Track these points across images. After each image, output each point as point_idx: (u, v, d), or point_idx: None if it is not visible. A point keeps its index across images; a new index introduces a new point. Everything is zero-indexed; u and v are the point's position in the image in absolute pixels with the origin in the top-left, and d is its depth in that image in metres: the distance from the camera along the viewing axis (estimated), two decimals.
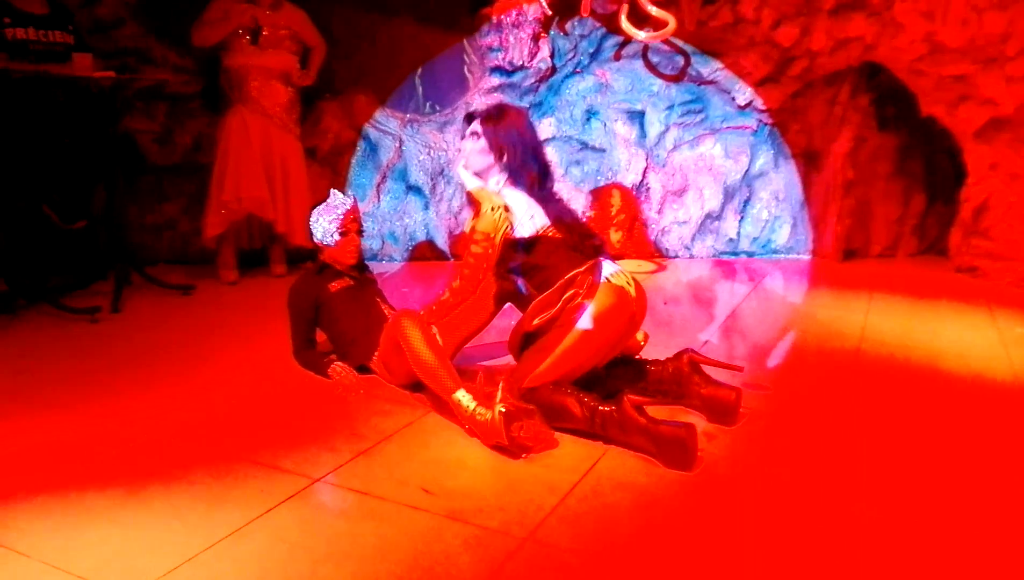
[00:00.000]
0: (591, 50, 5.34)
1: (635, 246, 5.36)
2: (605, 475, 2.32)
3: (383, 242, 5.44)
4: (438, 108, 5.43)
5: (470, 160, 2.80)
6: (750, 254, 5.41)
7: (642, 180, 5.40)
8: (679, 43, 5.09)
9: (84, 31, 4.47)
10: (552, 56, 5.26)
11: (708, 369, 2.76)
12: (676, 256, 5.45)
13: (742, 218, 5.39)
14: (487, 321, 3.01)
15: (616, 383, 2.70)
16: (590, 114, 5.41)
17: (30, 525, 2.04)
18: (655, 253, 5.44)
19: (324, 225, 3.19)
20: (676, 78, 5.23)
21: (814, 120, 5.21)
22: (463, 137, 2.88)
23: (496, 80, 5.29)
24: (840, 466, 2.38)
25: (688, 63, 5.17)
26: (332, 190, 3.30)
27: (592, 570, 1.86)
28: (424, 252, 5.43)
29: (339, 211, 3.19)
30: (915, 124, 5.01)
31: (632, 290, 2.64)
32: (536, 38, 5.17)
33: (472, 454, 2.46)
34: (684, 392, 2.72)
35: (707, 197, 5.36)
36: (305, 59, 4.87)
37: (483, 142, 2.75)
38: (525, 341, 2.72)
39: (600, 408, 2.46)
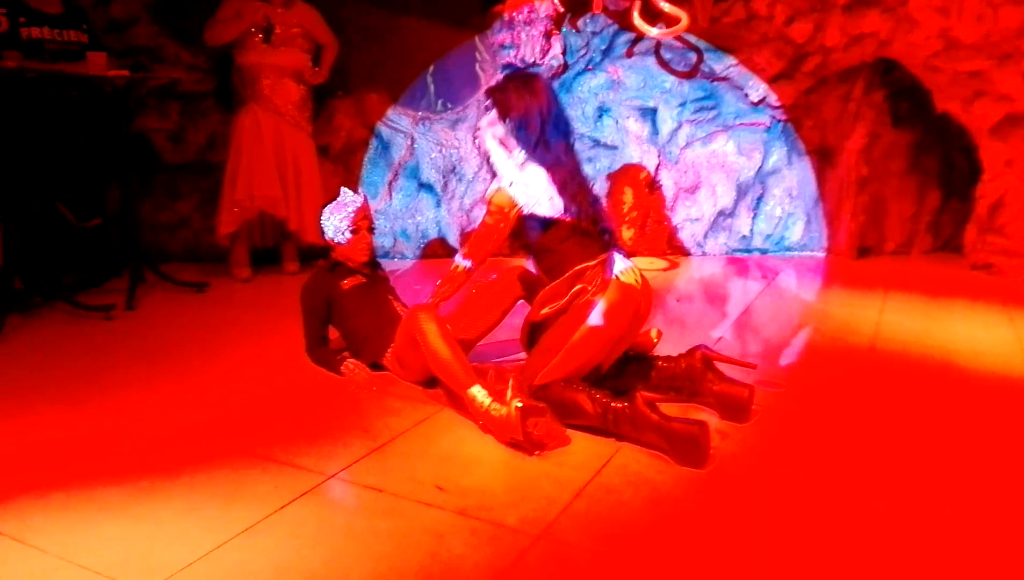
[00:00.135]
0: (603, 47, 5.33)
1: (647, 243, 5.35)
2: (618, 472, 2.31)
3: (395, 240, 5.45)
4: (450, 106, 5.43)
5: (490, 131, 2.76)
6: (763, 251, 5.39)
7: (654, 177, 5.39)
8: (692, 39, 5.06)
9: (98, 30, 4.50)
10: (564, 53, 5.24)
11: (721, 366, 2.75)
12: (689, 253, 5.43)
13: (755, 215, 5.37)
14: (499, 319, 3.01)
15: (628, 380, 2.70)
16: (602, 111, 5.40)
17: (46, 521, 2.05)
18: (668, 250, 5.42)
19: (335, 223, 3.20)
20: (689, 75, 5.21)
21: (828, 116, 5.18)
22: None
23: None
24: (854, 464, 2.37)
25: (701, 59, 5.15)
26: (342, 188, 3.30)
27: (605, 568, 1.85)
28: (436, 249, 5.43)
29: (350, 209, 3.20)
30: (930, 120, 4.98)
31: (639, 286, 2.63)
32: (548, 35, 5.16)
33: (485, 451, 2.46)
34: (697, 389, 2.71)
35: (720, 194, 5.34)
36: (317, 57, 4.88)
37: (494, 112, 2.71)
38: (532, 332, 2.72)
39: (612, 405, 2.45)
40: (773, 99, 5.15)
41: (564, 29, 5.22)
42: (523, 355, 2.83)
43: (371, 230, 3.27)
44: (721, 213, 5.37)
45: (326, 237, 3.26)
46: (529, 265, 2.85)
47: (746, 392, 2.65)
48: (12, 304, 3.78)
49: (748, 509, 2.12)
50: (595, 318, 2.53)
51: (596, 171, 5.39)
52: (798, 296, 4.56)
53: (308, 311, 3.25)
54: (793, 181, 5.31)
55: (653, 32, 4.85)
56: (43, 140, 4.25)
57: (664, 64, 5.21)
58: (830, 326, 3.81)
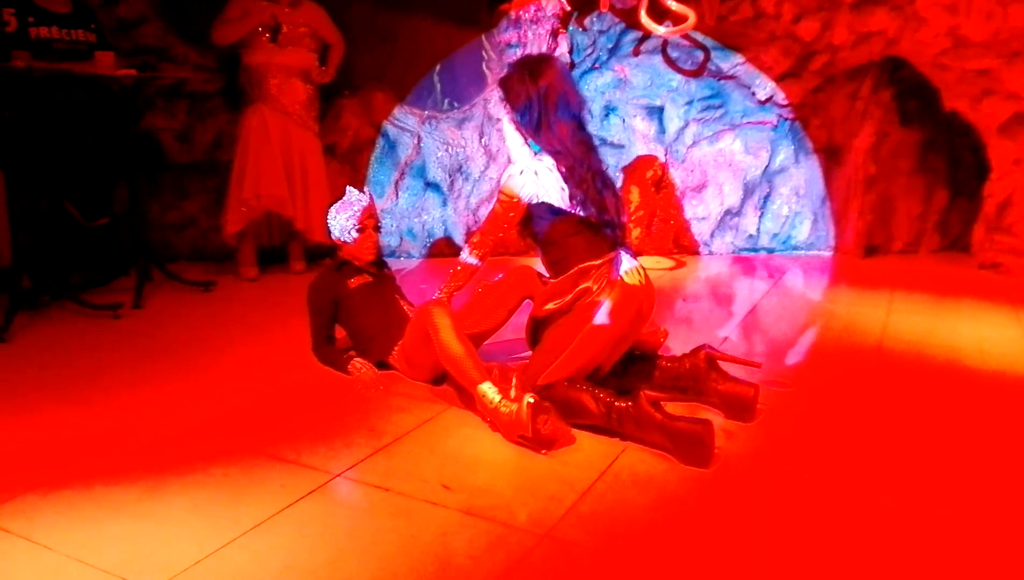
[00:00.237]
0: (610, 45, 5.32)
1: (653, 242, 5.34)
2: (623, 472, 2.31)
3: (401, 239, 5.45)
4: (456, 105, 5.44)
5: (507, 118, 2.73)
6: (770, 250, 5.37)
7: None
8: (699, 38, 5.06)
9: (106, 29, 4.51)
10: (571, 52, 5.23)
11: (725, 365, 2.75)
12: (695, 252, 5.42)
13: (762, 214, 5.35)
14: (505, 318, 3.01)
15: (632, 380, 2.69)
16: (609, 110, 5.40)
17: (53, 518, 2.06)
18: (674, 249, 5.41)
19: (342, 222, 3.20)
20: (696, 73, 5.21)
21: (835, 115, 5.17)
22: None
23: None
24: (860, 464, 2.36)
25: (708, 58, 5.14)
26: (348, 187, 3.31)
27: (611, 567, 1.85)
28: (442, 249, 5.44)
29: (356, 208, 3.20)
30: (938, 119, 4.96)
31: (642, 286, 2.63)
32: (555, 34, 5.14)
33: (491, 450, 2.47)
34: (701, 389, 2.70)
35: (727, 193, 5.33)
36: (324, 56, 4.89)
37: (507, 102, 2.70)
38: (535, 329, 2.72)
39: (616, 404, 2.45)
40: (780, 98, 5.14)
41: (571, 28, 5.22)
42: (528, 353, 2.83)
43: (377, 229, 3.28)
44: (728, 212, 5.36)
45: (333, 236, 3.27)
46: (536, 263, 2.83)
47: (751, 391, 2.64)
48: (20, 303, 3.80)
49: (753, 509, 2.12)
50: (599, 318, 2.53)
51: None
52: (805, 295, 4.55)
53: (315, 310, 3.26)
54: (800, 180, 5.29)
55: (660, 30, 4.85)
56: (51, 139, 4.26)
57: (671, 62, 5.21)
58: (837, 326, 3.80)
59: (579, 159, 2.61)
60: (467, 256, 2.79)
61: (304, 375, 3.16)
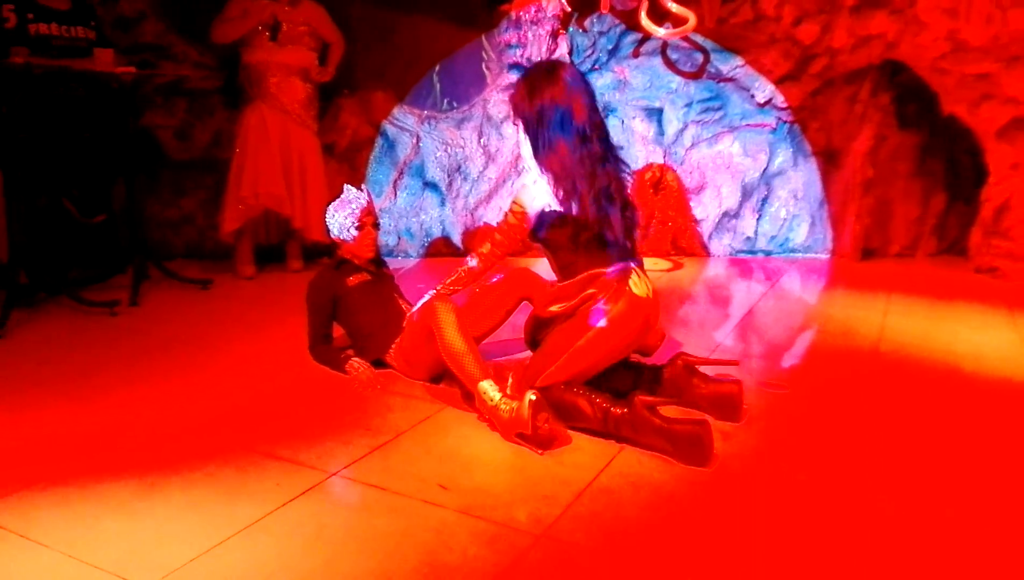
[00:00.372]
0: (610, 47, 5.32)
1: (651, 244, 5.34)
2: (620, 472, 2.31)
3: (399, 238, 5.45)
4: (456, 105, 5.44)
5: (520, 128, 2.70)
6: (768, 253, 5.38)
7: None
8: (699, 40, 5.06)
9: (106, 26, 4.51)
10: (570, 53, 5.25)
11: (704, 368, 2.74)
12: (693, 254, 5.42)
13: (760, 217, 5.36)
14: (503, 319, 3.01)
15: (616, 383, 2.67)
16: (608, 111, 5.38)
17: (49, 515, 2.06)
18: (671, 251, 5.41)
19: (340, 220, 3.20)
20: (695, 75, 5.21)
21: (834, 118, 5.17)
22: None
23: (514, 77, 5.28)
24: (856, 466, 2.36)
25: (707, 60, 5.14)
26: (346, 185, 3.31)
27: (607, 567, 1.85)
28: (440, 248, 5.44)
29: (354, 206, 3.20)
30: (936, 123, 4.96)
31: (649, 297, 2.62)
32: (555, 35, 5.16)
33: (488, 450, 2.47)
34: (686, 396, 2.68)
35: (725, 195, 5.33)
36: (324, 55, 4.89)
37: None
38: (536, 329, 2.72)
39: (612, 410, 2.45)
40: (779, 100, 5.15)
41: (571, 29, 5.23)
42: (526, 354, 2.83)
43: (376, 226, 3.28)
44: (726, 214, 5.36)
45: (331, 234, 3.27)
46: (535, 264, 2.83)
47: (735, 388, 2.65)
48: (17, 299, 3.80)
49: (750, 510, 2.12)
50: (602, 325, 2.53)
51: None
52: (802, 298, 4.55)
53: (314, 308, 3.25)
54: (798, 183, 5.29)
55: (660, 32, 4.85)
56: (50, 136, 4.26)
57: (670, 64, 5.21)
58: (834, 328, 3.80)
59: (582, 177, 2.54)
60: (475, 265, 2.78)
61: (301, 373, 3.16)
